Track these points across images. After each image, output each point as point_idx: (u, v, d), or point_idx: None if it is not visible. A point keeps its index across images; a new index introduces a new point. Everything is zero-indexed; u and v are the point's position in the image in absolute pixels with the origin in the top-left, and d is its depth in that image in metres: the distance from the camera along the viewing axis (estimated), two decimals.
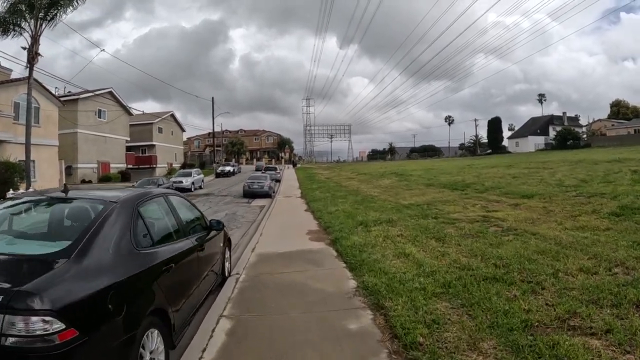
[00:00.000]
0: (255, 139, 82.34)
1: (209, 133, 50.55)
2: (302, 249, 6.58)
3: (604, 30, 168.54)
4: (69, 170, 26.94)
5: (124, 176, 28.84)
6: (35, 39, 19.33)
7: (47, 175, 23.12)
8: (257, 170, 38.51)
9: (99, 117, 29.51)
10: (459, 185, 16.95)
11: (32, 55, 19.29)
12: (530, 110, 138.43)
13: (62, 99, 26.22)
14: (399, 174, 27.22)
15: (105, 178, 27.98)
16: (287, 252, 6.38)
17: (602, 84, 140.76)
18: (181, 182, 24.45)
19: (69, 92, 29.28)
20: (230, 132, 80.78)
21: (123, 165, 32.43)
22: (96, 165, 28.96)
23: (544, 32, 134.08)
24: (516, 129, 77.12)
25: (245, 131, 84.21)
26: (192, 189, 24.93)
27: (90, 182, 26.96)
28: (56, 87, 25.69)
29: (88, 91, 27.87)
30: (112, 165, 30.57)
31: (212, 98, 44.08)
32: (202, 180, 27.82)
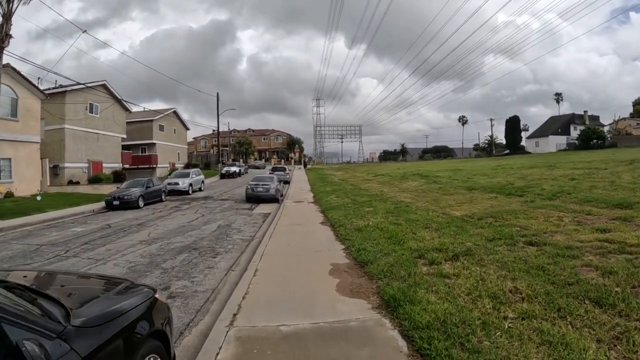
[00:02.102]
0: (264, 139, 79.38)
1: (215, 131, 47.70)
2: (328, 323, 3.31)
3: (614, 30, 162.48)
4: (56, 170, 24.20)
5: (118, 177, 25.90)
6: (6, 18, 16.62)
7: (26, 175, 20.37)
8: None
9: (91, 112, 26.73)
10: (511, 190, 13.63)
11: (2, 36, 16.58)
12: (541, 111, 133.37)
13: (48, 91, 23.51)
14: (423, 176, 23.88)
15: (95, 179, 25.12)
16: (300, 332, 3.14)
17: (613, 84, 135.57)
18: (177, 183, 21.47)
19: (60, 85, 26.64)
20: (238, 131, 78.21)
21: (118, 165, 29.61)
22: (86, 165, 26.15)
23: (554, 33, 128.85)
24: (529, 129, 73.04)
25: (253, 131, 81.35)
26: (190, 192, 21.94)
27: (77, 183, 24.16)
28: (39, 78, 22.96)
29: (79, 83, 25.13)
30: (105, 165, 27.76)
31: (217, 93, 41.36)
32: (202, 182, 24.80)
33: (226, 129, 66.77)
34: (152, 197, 17.22)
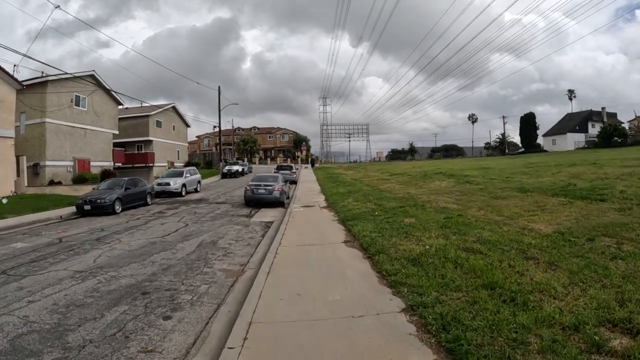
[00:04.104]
0: (270, 137, 76.60)
1: (217, 127, 44.96)
2: None
3: (620, 28, 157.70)
4: (36, 169, 21.65)
5: (107, 176, 23.11)
6: None
7: None
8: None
9: (77, 105, 24.15)
10: (578, 192, 10.62)
11: None
12: (548, 110, 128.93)
13: (26, 82, 20.93)
14: (448, 175, 20.85)
15: (79, 179, 22.46)
16: None
17: (620, 82, 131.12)
18: (167, 184, 18.72)
19: (46, 74, 24.07)
20: (242, 129, 75.64)
21: (109, 163, 26.99)
22: (71, 163, 23.56)
23: (560, 32, 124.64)
24: (539, 128, 69.61)
25: (258, 129, 78.57)
26: (183, 193, 19.21)
27: (59, 183, 21.56)
28: (15, 65, 20.46)
29: (65, 73, 22.57)
30: (93, 164, 25.17)
31: (219, 87, 38.60)
32: (199, 182, 22.03)
33: (229, 127, 64.21)
34: (134, 200, 14.48)
